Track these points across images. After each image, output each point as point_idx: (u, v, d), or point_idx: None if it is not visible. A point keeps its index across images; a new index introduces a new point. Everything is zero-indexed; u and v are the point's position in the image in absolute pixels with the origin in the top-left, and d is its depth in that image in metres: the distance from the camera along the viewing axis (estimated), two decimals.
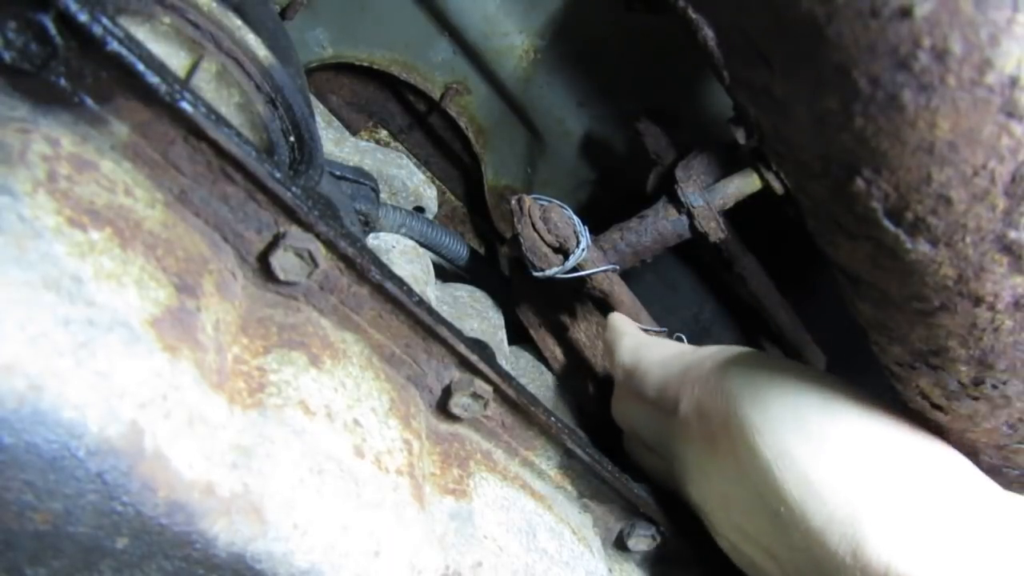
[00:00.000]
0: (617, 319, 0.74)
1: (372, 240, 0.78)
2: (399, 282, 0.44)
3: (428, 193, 0.91)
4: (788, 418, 0.48)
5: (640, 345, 0.69)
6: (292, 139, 0.53)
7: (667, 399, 0.61)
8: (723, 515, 0.55)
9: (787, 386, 0.50)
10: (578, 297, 0.84)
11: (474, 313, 0.82)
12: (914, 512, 0.42)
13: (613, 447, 0.69)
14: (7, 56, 0.33)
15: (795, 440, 0.47)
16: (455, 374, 0.48)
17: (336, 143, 0.86)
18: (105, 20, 0.33)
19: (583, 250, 0.72)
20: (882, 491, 0.43)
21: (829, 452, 0.45)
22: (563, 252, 0.73)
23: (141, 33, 0.48)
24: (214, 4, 0.51)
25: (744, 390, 0.51)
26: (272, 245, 0.40)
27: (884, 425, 0.47)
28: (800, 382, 0.50)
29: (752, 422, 0.49)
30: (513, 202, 0.74)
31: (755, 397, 0.50)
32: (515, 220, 0.73)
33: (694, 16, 0.56)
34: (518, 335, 0.87)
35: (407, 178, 0.88)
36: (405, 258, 0.78)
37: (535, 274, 0.73)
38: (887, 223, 0.34)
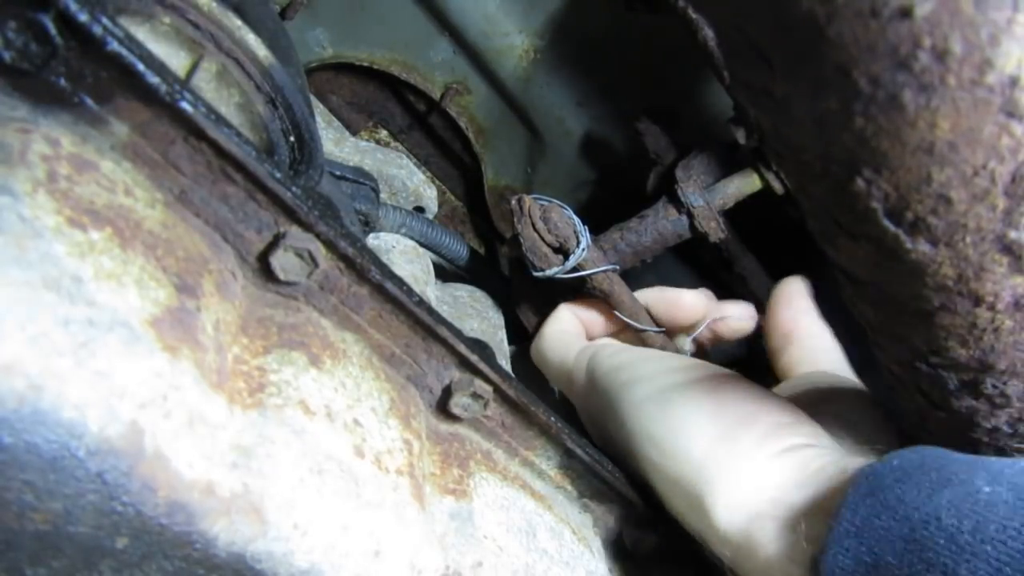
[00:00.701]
0: (558, 311, 0.77)
1: (372, 240, 0.78)
2: (399, 282, 0.44)
3: (428, 193, 0.91)
4: (637, 428, 0.56)
5: (544, 338, 0.76)
6: (292, 139, 0.53)
7: (567, 391, 0.72)
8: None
9: (636, 400, 0.58)
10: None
11: (474, 313, 0.82)
12: (745, 487, 0.48)
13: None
14: (7, 56, 0.33)
15: (646, 446, 0.55)
16: (455, 374, 0.48)
17: (336, 143, 0.86)
18: (105, 20, 0.33)
19: (583, 250, 0.72)
20: (720, 472, 0.50)
21: (670, 452, 0.53)
22: (563, 252, 0.73)
23: (141, 33, 0.48)
24: (214, 4, 0.51)
25: (602, 390, 0.62)
26: (272, 245, 0.40)
27: (713, 408, 0.54)
28: (632, 380, 0.60)
29: (616, 432, 0.59)
30: (513, 202, 0.74)
31: (615, 412, 0.59)
32: (515, 220, 0.73)
33: (694, 16, 0.56)
34: (518, 335, 0.87)
35: (407, 178, 0.88)
36: (405, 258, 0.78)
37: (535, 274, 0.73)
38: (887, 223, 0.34)
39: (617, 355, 0.65)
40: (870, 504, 0.40)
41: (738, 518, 0.48)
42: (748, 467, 0.49)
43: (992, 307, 0.36)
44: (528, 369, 0.85)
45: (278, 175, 0.39)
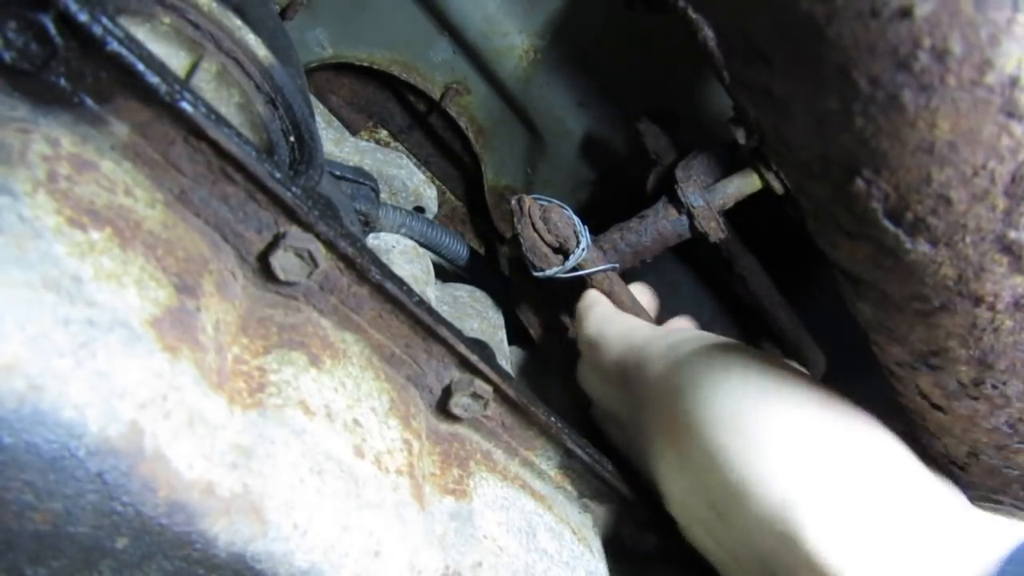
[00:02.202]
0: (592, 293, 0.74)
1: (372, 240, 0.78)
2: (399, 282, 0.44)
3: (428, 193, 0.91)
4: (727, 413, 0.48)
5: (605, 318, 0.70)
6: (292, 139, 0.53)
7: (625, 376, 0.62)
8: (675, 498, 0.55)
9: (728, 378, 0.50)
10: (578, 297, 0.84)
11: (474, 313, 0.82)
12: (849, 505, 0.43)
13: (613, 447, 0.69)
14: (7, 56, 0.33)
15: (731, 436, 0.47)
16: (455, 374, 0.48)
17: (336, 143, 0.86)
18: (105, 20, 0.33)
19: (583, 250, 0.72)
20: (818, 484, 0.43)
21: (764, 446, 0.45)
22: (563, 252, 0.73)
23: (141, 33, 0.48)
24: (214, 4, 0.51)
25: (688, 383, 0.52)
26: (272, 245, 0.40)
27: (822, 415, 0.47)
28: (741, 372, 0.50)
29: (694, 418, 0.49)
30: (513, 202, 0.74)
31: (697, 391, 0.50)
32: (515, 220, 0.73)
33: (694, 16, 0.56)
34: (518, 335, 0.87)
35: (407, 178, 0.88)
36: (405, 258, 0.78)
37: (535, 274, 0.73)
38: (887, 223, 0.34)
39: (715, 341, 0.57)
40: None
41: (844, 546, 0.42)
42: (869, 505, 0.43)
43: (992, 307, 0.36)
44: (528, 369, 0.85)
45: (278, 175, 0.39)
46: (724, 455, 0.47)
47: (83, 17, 0.32)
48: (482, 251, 1.14)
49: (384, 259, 0.46)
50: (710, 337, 0.59)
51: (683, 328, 0.64)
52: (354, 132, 1.06)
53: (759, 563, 0.47)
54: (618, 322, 0.68)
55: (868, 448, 0.45)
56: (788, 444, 0.45)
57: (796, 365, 0.54)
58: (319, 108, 0.92)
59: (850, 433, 0.46)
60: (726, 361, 0.52)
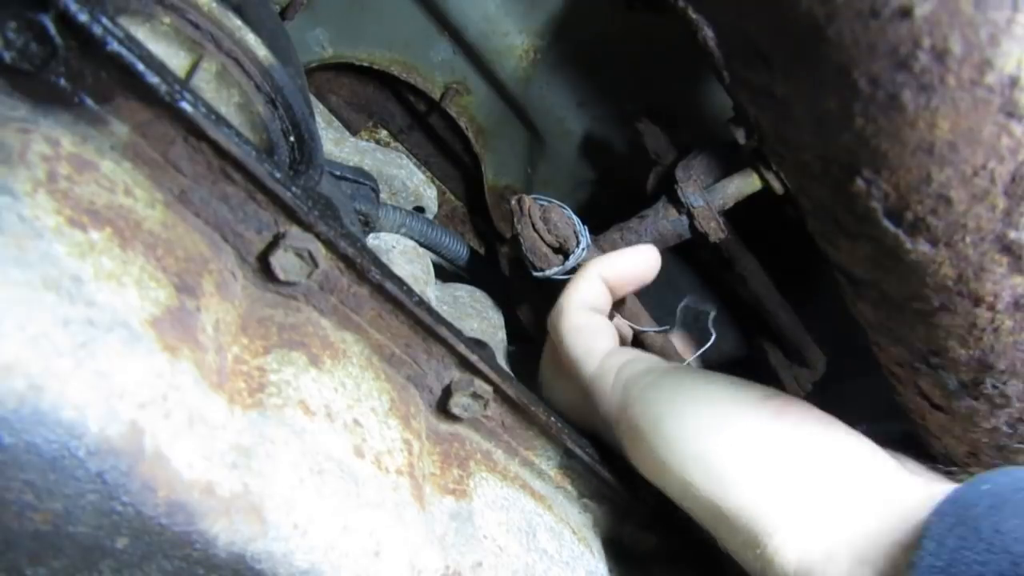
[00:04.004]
0: (567, 300, 0.68)
1: (372, 240, 0.78)
2: (399, 282, 0.44)
3: (428, 193, 0.91)
4: (691, 454, 0.50)
5: (570, 331, 0.66)
6: (292, 139, 0.53)
7: (587, 396, 0.63)
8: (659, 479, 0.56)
9: (683, 410, 0.52)
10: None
11: (474, 313, 0.82)
12: (816, 522, 0.44)
13: (613, 447, 0.69)
14: (7, 56, 0.33)
15: (697, 474, 0.49)
16: (455, 374, 0.48)
17: (336, 143, 0.86)
18: (105, 20, 0.33)
19: (583, 250, 0.72)
20: (787, 507, 0.45)
21: (730, 483, 0.48)
22: (563, 252, 0.73)
23: (141, 33, 0.48)
24: (214, 4, 0.51)
25: (647, 424, 0.54)
26: (272, 245, 0.40)
27: (777, 436, 0.49)
28: (691, 401, 0.53)
29: (660, 453, 0.52)
30: (513, 202, 0.74)
31: (658, 430, 0.52)
32: (515, 220, 0.73)
33: (694, 16, 0.56)
34: (518, 335, 0.87)
35: (407, 178, 0.88)
36: (405, 258, 0.78)
37: (535, 274, 0.73)
38: (887, 223, 0.34)
39: (662, 374, 0.58)
40: (959, 535, 0.35)
41: (809, 558, 0.43)
42: (825, 501, 0.45)
43: (992, 307, 0.36)
44: (528, 369, 0.85)
45: (278, 175, 0.39)
46: (696, 490, 0.49)
47: (83, 17, 0.32)
48: (482, 251, 1.14)
49: (384, 259, 0.46)
50: (653, 366, 0.60)
51: (627, 355, 0.63)
52: (354, 132, 1.06)
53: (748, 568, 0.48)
54: (579, 344, 0.65)
55: (817, 456, 0.47)
56: (752, 475, 0.47)
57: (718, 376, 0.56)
58: (319, 108, 0.92)
59: (803, 444, 0.48)
60: (673, 393, 0.55)
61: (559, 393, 0.68)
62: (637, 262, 0.68)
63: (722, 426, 0.50)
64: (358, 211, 0.72)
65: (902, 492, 0.44)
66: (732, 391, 0.53)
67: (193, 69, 0.50)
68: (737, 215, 0.82)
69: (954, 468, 0.48)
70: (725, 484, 0.47)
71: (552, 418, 0.52)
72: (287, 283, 0.41)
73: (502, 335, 0.83)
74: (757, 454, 0.48)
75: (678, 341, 0.80)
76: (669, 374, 0.58)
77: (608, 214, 0.85)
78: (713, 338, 0.74)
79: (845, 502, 0.44)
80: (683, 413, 0.52)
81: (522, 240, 0.73)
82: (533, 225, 0.72)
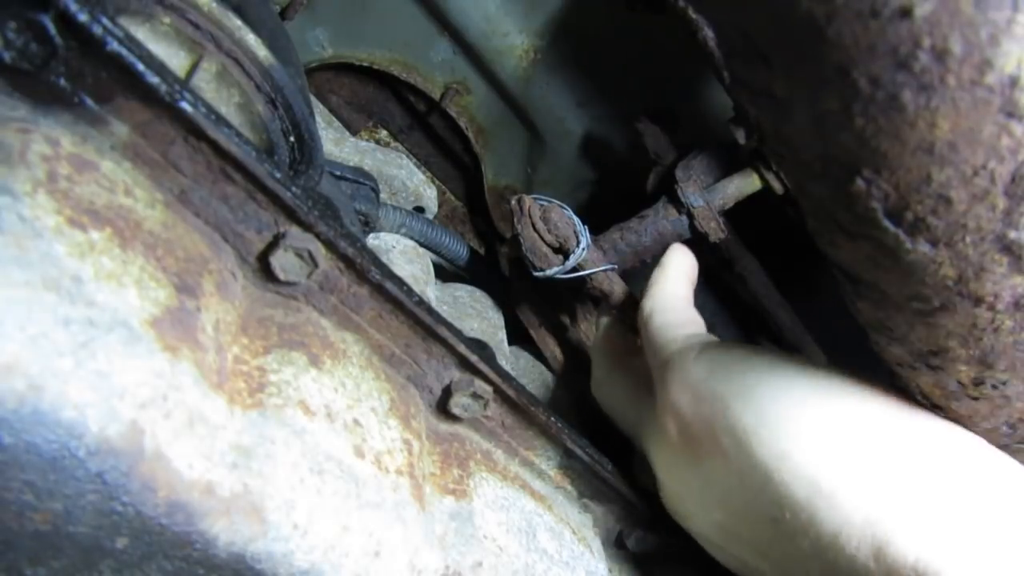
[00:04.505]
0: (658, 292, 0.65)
1: (372, 240, 0.78)
2: (399, 282, 0.44)
3: (428, 193, 0.91)
4: (785, 419, 0.45)
5: (667, 305, 0.63)
6: (292, 139, 0.53)
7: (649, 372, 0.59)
8: (704, 515, 0.52)
9: (779, 382, 0.47)
10: (578, 297, 0.84)
11: (474, 313, 0.82)
12: (937, 504, 0.40)
13: (613, 447, 0.69)
14: (7, 56, 0.33)
15: (796, 442, 0.44)
16: (455, 374, 0.48)
17: (336, 143, 0.86)
18: (105, 20, 0.33)
19: (583, 250, 0.72)
20: (899, 486, 0.41)
21: (835, 451, 0.43)
22: (563, 252, 0.73)
23: (141, 33, 0.48)
24: (214, 4, 0.51)
25: (732, 391, 0.49)
26: (272, 245, 0.40)
27: (887, 414, 0.44)
28: (792, 376, 0.48)
29: (745, 425, 0.46)
30: (513, 202, 0.74)
31: (746, 398, 0.47)
32: (515, 220, 0.73)
33: (694, 16, 0.56)
34: (518, 335, 0.87)
35: (407, 178, 0.88)
36: (405, 258, 0.78)
37: (535, 274, 0.73)
38: (887, 223, 0.34)
39: (752, 350, 0.53)
40: None
41: (936, 546, 0.39)
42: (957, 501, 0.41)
43: (992, 307, 0.36)
44: (528, 369, 0.85)
45: (278, 175, 0.39)
46: (790, 463, 0.44)
47: (83, 17, 0.32)
48: (482, 251, 1.14)
49: (384, 259, 0.46)
50: (737, 346, 0.55)
51: (702, 340, 0.57)
52: (354, 132, 1.06)
53: (819, 569, 0.44)
54: (671, 311, 0.63)
55: (943, 445, 0.43)
56: (860, 447, 0.43)
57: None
58: (319, 108, 0.92)
59: (920, 430, 0.44)
60: (772, 366, 0.49)
61: (615, 386, 0.66)
62: (692, 267, 0.68)
63: (831, 430, 0.45)
64: (358, 211, 0.72)
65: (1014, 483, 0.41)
66: (840, 381, 0.47)
67: (193, 69, 0.50)
68: (737, 215, 0.82)
69: None
70: (823, 457, 0.43)
71: (552, 418, 0.52)
72: (287, 283, 0.41)
73: (502, 335, 0.83)
74: (864, 441, 0.43)
75: None
76: (758, 357, 0.52)
77: (608, 214, 0.85)
78: None
79: (985, 513, 0.40)
80: (779, 406, 0.46)
81: (522, 240, 0.73)
82: (533, 225, 0.72)
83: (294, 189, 0.39)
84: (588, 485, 0.57)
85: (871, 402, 0.45)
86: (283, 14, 0.91)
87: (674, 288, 0.65)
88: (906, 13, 0.28)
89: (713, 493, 0.50)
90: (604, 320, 0.74)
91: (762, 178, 0.78)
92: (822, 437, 0.44)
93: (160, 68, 0.35)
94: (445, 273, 0.92)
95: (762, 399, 0.47)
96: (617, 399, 0.67)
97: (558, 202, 0.73)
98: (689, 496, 0.53)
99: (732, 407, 0.48)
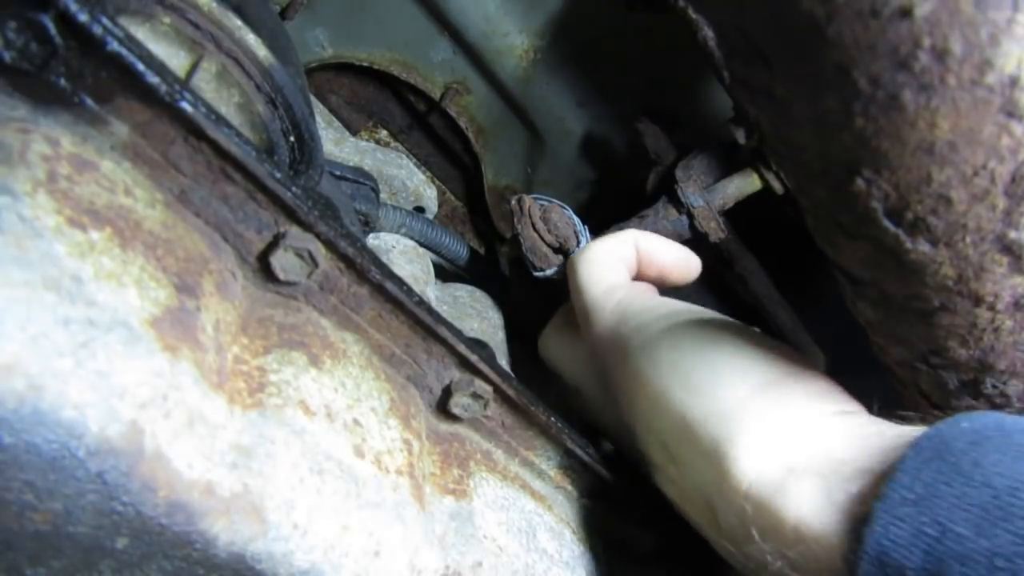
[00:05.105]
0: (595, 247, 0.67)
1: (372, 240, 0.78)
2: (399, 282, 0.44)
3: (428, 193, 0.91)
4: (668, 357, 0.52)
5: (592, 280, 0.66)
6: (292, 139, 0.53)
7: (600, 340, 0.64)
8: (639, 444, 0.57)
9: (670, 329, 0.55)
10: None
11: (474, 313, 0.82)
12: (779, 436, 0.44)
13: (613, 447, 0.69)
14: (7, 56, 0.33)
15: (672, 378, 0.51)
16: (455, 374, 0.48)
17: (336, 143, 0.86)
18: (105, 20, 0.33)
19: None
20: (751, 417, 0.45)
21: (702, 391, 0.49)
22: (563, 252, 0.73)
23: (141, 33, 0.48)
24: (214, 4, 0.51)
25: (636, 339, 0.56)
26: (272, 245, 0.40)
27: (760, 355, 0.50)
28: (682, 321, 0.55)
29: (644, 368, 0.53)
30: (513, 202, 0.74)
31: (650, 346, 0.54)
32: (515, 220, 0.73)
33: (694, 16, 0.56)
34: (518, 335, 0.87)
35: (407, 178, 0.88)
36: (405, 258, 0.78)
37: (535, 274, 0.73)
38: (887, 223, 0.34)
39: (658, 298, 0.62)
40: (936, 468, 0.34)
41: (770, 469, 0.42)
42: (795, 418, 0.44)
43: (992, 307, 0.36)
44: (528, 369, 0.85)
45: (278, 175, 0.39)
46: (669, 397, 0.50)
47: (83, 17, 0.32)
48: (482, 251, 1.14)
49: (384, 259, 0.46)
50: (655, 300, 0.62)
51: (635, 286, 0.64)
52: (354, 132, 1.06)
53: (702, 498, 0.48)
54: (592, 275, 0.66)
55: (794, 381, 0.48)
56: (724, 383, 0.48)
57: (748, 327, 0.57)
58: (319, 108, 0.92)
59: (783, 372, 0.49)
60: (669, 315, 0.57)
61: (561, 346, 0.70)
62: (677, 256, 0.69)
63: (702, 335, 0.52)
64: (358, 211, 0.72)
65: (875, 426, 0.43)
66: (712, 312, 0.56)
67: (193, 69, 0.50)
68: (737, 215, 0.82)
69: None
70: (698, 389, 0.48)
71: (552, 418, 0.52)
72: (287, 283, 0.41)
73: (502, 335, 0.83)
74: (733, 368, 0.49)
75: None
76: (676, 304, 0.59)
77: (608, 214, 0.85)
78: None
79: (815, 423, 0.44)
80: (663, 322, 0.54)
81: (522, 240, 0.73)
82: (533, 225, 0.72)
83: (294, 189, 0.39)
84: (588, 485, 0.57)
85: (743, 347, 0.51)
86: (283, 14, 0.91)
87: (609, 245, 0.67)
88: (906, 13, 0.28)
89: (636, 426, 0.56)
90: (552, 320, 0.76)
91: (762, 178, 0.78)
92: (694, 379, 0.50)
93: (160, 68, 0.35)
94: (445, 273, 0.92)
95: (653, 348, 0.54)
96: (565, 349, 0.71)
97: (558, 202, 0.73)
98: (635, 431, 0.57)
99: (642, 355, 0.55)
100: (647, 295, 0.63)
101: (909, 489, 0.34)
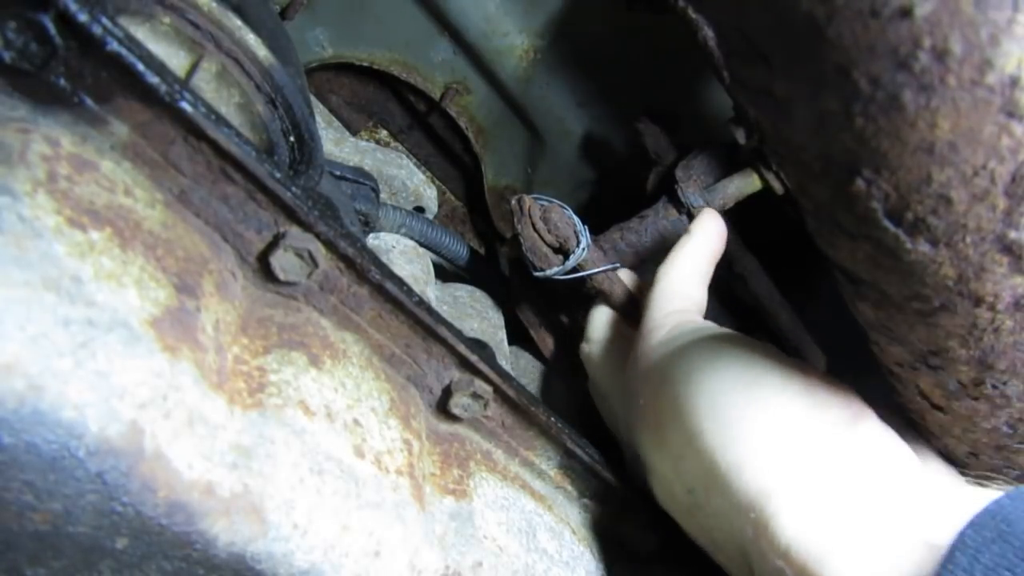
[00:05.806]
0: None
1: (372, 240, 0.78)
2: (399, 282, 0.44)
3: (428, 193, 0.91)
4: (708, 399, 0.48)
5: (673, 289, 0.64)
6: (292, 139, 0.53)
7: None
8: (658, 482, 0.55)
9: (715, 366, 0.50)
10: (578, 297, 0.84)
11: (474, 313, 0.82)
12: (823, 494, 0.42)
13: (613, 447, 0.69)
14: (7, 56, 0.33)
15: (711, 422, 0.47)
16: (455, 374, 0.48)
17: (336, 143, 0.86)
18: (105, 20, 0.33)
19: (583, 250, 0.72)
20: (794, 472, 0.43)
21: (741, 434, 0.46)
22: (563, 252, 0.73)
23: (141, 33, 0.48)
24: (214, 4, 0.51)
25: (677, 371, 0.52)
26: (272, 245, 0.40)
27: (805, 403, 0.46)
28: (728, 360, 0.50)
29: (679, 403, 0.50)
30: (513, 202, 0.74)
31: (685, 378, 0.51)
32: (515, 220, 0.73)
33: (694, 16, 0.56)
34: (518, 335, 0.87)
35: (407, 178, 0.88)
36: (405, 258, 0.78)
37: (535, 274, 0.73)
38: (887, 223, 0.34)
39: (719, 331, 0.57)
40: (999, 552, 0.33)
41: (812, 530, 0.40)
42: (840, 475, 0.43)
43: (992, 307, 0.36)
44: (528, 369, 0.85)
45: (278, 175, 0.39)
46: (702, 440, 0.47)
47: (83, 17, 0.32)
48: (482, 251, 1.14)
49: (384, 259, 0.46)
50: (708, 328, 0.58)
51: (684, 319, 0.61)
52: (354, 132, 1.06)
53: (737, 548, 0.46)
54: (656, 306, 0.64)
55: (846, 437, 0.45)
56: (765, 432, 0.45)
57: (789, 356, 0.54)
58: (319, 108, 0.92)
59: (829, 423, 0.46)
60: (716, 350, 0.52)
61: (610, 373, 0.68)
62: (718, 239, 0.66)
63: (757, 389, 0.47)
64: (358, 211, 0.72)
65: (930, 487, 0.41)
66: (779, 360, 0.50)
67: (193, 69, 0.50)
68: (737, 215, 0.82)
69: (956, 467, 0.48)
70: (733, 434, 0.45)
71: (552, 418, 0.52)
72: (287, 283, 0.41)
73: (502, 335, 0.83)
74: (773, 419, 0.45)
75: None
76: (718, 332, 0.56)
77: (608, 214, 0.85)
78: None
79: (862, 480, 0.42)
80: (716, 367, 0.50)
81: (522, 240, 0.73)
82: (533, 225, 0.72)
83: (294, 189, 0.39)
84: (588, 485, 0.57)
85: (789, 388, 0.48)
86: (283, 14, 0.91)
87: (682, 266, 0.65)
88: (906, 13, 0.28)
89: (662, 464, 0.53)
90: (596, 317, 0.74)
91: (762, 178, 0.78)
92: (733, 420, 0.46)
93: (160, 68, 0.35)
94: (445, 273, 0.92)
95: (692, 381, 0.50)
96: (616, 401, 0.67)
97: (558, 202, 0.73)
98: (654, 469, 0.55)
99: (675, 388, 0.51)
100: (701, 319, 0.60)
101: (968, 571, 0.33)
